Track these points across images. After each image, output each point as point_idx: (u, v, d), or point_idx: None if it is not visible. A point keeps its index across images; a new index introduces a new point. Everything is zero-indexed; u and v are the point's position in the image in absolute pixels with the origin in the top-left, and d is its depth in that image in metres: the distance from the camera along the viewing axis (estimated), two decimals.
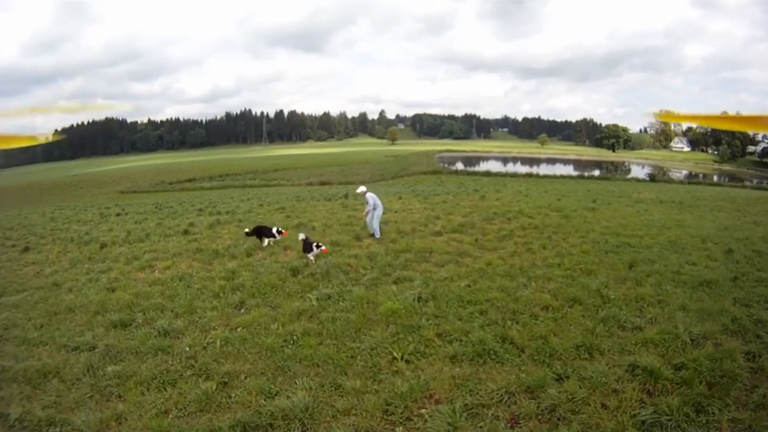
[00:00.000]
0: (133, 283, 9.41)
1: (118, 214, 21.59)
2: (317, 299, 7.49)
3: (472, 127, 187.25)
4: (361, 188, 12.32)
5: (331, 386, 5.05)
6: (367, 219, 12.04)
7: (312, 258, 9.69)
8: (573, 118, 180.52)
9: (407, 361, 5.47)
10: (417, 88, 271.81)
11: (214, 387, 5.10)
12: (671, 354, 5.41)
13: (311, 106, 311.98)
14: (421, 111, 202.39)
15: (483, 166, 63.53)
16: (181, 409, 4.83)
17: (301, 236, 10.38)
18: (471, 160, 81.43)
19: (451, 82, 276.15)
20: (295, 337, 6.16)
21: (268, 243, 11.40)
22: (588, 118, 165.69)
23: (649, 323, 6.28)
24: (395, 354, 5.57)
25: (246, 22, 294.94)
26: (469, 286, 7.89)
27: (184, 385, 5.25)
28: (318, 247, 9.76)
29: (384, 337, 6.02)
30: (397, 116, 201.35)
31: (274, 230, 11.49)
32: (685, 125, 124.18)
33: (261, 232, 11.68)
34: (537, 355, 5.52)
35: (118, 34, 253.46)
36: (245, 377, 5.35)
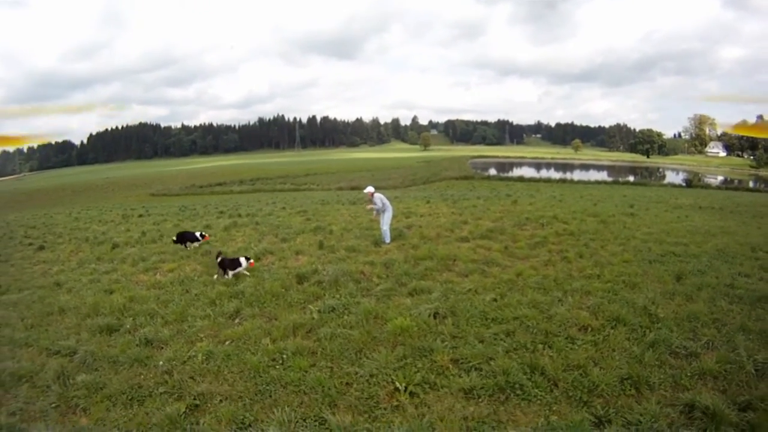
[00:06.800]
0: (132, 285, 8.94)
1: (140, 215, 21.48)
2: (319, 311, 6.64)
3: (505, 132, 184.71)
4: (369, 188, 11.43)
5: (315, 420, 4.18)
6: (381, 224, 11.19)
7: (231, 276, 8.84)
8: (606, 124, 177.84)
9: (412, 394, 4.51)
10: (450, 93, 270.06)
11: (183, 409, 4.43)
12: (734, 389, 4.51)
13: (345, 112, 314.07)
14: (454, 117, 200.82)
15: (516, 172, 61.72)
16: None
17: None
18: (504, 166, 79.69)
19: (485, 88, 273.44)
20: (285, 356, 5.31)
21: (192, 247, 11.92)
22: (622, 123, 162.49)
23: (705, 348, 5.32)
24: (398, 384, 4.61)
25: (281, 30, 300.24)
26: (495, 300, 6.88)
27: (153, 404, 4.61)
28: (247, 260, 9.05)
29: (388, 361, 5.07)
30: (430, 122, 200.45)
31: (198, 234, 12.17)
32: (720, 130, 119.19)
33: (184, 237, 12.24)
34: (573, 390, 4.51)
35: (155, 41, 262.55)
36: (220, 400, 4.60)
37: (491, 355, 5.15)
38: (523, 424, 4.06)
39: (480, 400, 4.43)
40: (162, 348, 5.89)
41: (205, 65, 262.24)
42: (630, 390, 4.51)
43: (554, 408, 4.28)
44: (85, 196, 50.65)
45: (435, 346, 5.37)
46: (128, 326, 6.64)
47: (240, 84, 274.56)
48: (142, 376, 5.17)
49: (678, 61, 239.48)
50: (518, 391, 4.49)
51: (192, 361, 5.42)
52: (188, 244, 11.99)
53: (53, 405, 4.75)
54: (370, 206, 11.31)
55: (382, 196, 11.07)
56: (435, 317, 6.23)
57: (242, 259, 9.02)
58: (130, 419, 4.38)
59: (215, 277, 8.96)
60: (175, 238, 12.33)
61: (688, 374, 4.74)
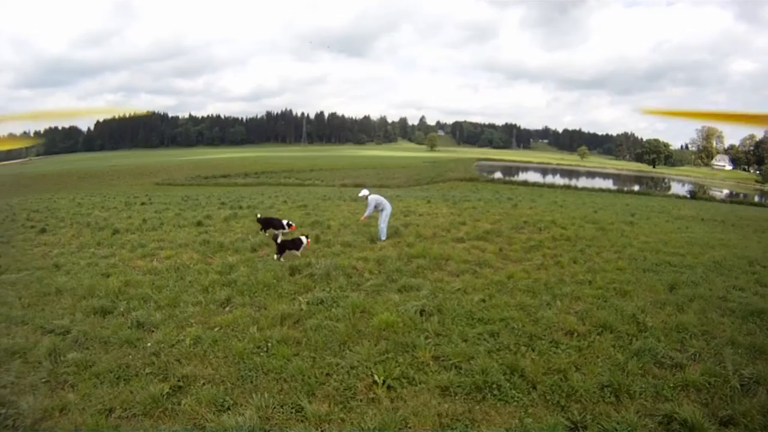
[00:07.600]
0: (129, 270, 9.04)
1: (143, 204, 21.70)
2: (308, 303, 6.73)
3: (512, 136, 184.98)
4: (364, 191, 11.43)
5: (291, 407, 4.26)
6: (379, 222, 11.25)
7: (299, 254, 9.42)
8: (614, 132, 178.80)
9: (389, 388, 4.57)
10: (459, 95, 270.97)
11: (167, 390, 4.53)
12: (717, 403, 4.42)
13: (353, 110, 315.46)
14: (461, 118, 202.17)
15: (521, 176, 61.36)
16: (125, 410, 4.34)
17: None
18: (510, 170, 79.40)
19: (493, 91, 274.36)
20: (269, 345, 5.41)
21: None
22: (629, 132, 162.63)
23: (691, 360, 5.23)
24: (377, 377, 4.67)
25: (291, 25, 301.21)
26: (483, 300, 6.92)
27: (138, 383, 4.73)
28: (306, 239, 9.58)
29: (370, 354, 5.14)
30: (438, 123, 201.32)
31: (285, 222, 11.46)
32: (727, 143, 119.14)
33: (270, 223, 11.64)
34: (551, 393, 4.49)
35: (165, 31, 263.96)
36: (203, 383, 4.70)
37: (473, 354, 5.17)
38: (497, 424, 4.08)
39: (456, 397, 4.46)
40: (152, 331, 5.99)
41: (214, 57, 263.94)
42: (610, 397, 4.46)
43: (530, 410, 4.26)
44: (89, 182, 51.02)
45: (418, 343, 5.41)
46: (122, 309, 6.76)
47: (249, 77, 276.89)
48: (131, 357, 5.29)
49: (688, 72, 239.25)
50: (495, 392, 4.48)
51: (180, 344, 5.53)
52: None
53: (43, 380, 4.88)
54: (364, 216, 11.30)
55: (378, 196, 11.12)
56: (421, 314, 6.29)
57: (303, 238, 9.47)
58: (116, 396, 4.50)
59: (275, 257, 9.26)
60: (259, 222, 11.91)
61: (671, 385, 4.67)
